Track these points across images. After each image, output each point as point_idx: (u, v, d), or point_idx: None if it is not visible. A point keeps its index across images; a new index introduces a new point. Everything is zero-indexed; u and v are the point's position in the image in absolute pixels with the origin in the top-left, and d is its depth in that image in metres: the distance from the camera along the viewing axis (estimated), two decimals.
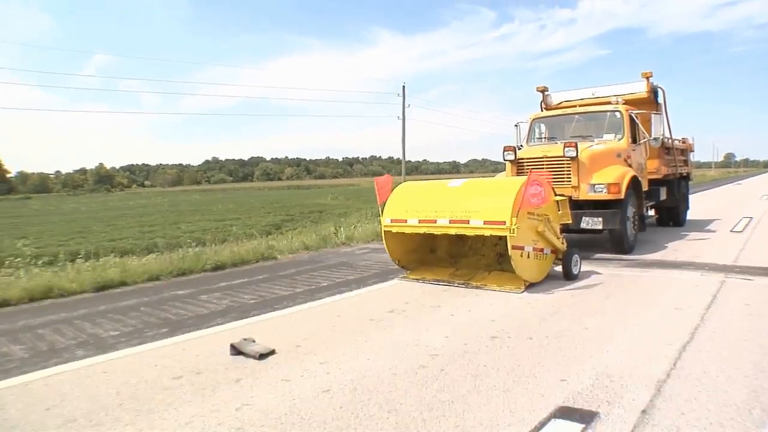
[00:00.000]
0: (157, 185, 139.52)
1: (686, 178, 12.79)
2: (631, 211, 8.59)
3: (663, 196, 10.55)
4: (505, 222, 6.04)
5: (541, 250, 6.62)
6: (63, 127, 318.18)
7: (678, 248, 9.04)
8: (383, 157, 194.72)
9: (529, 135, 10.09)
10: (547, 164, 8.50)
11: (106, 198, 70.96)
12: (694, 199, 14.66)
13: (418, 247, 7.59)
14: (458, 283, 6.74)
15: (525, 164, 8.69)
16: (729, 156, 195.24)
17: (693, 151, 13.41)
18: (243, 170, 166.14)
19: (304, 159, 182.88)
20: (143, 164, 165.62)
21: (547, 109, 10.90)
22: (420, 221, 6.88)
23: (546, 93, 11.03)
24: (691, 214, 13.00)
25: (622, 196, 8.16)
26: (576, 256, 6.96)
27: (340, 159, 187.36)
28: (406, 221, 7.02)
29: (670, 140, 10.84)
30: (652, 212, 11.60)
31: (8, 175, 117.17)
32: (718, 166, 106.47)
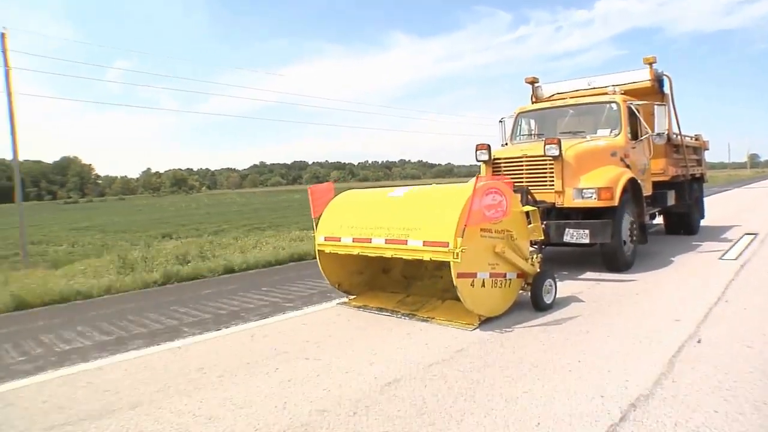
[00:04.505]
0: (223, 188, 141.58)
1: (699, 180, 10.21)
2: (627, 220, 6.45)
3: (671, 200, 8.20)
4: (447, 243, 4.15)
5: (503, 275, 4.66)
6: (101, 133, 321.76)
7: (678, 267, 6.84)
8: (413, 161, 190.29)
9: (513, 131, 7.99)
10: (526, 165, 6.49)
11: (207, 197, 77.25)
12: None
13: (365, 267, 5.72)
14: (402, 314, 4.91)
15: (502, 165, 6.70)
16: (753, 156, 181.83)
17: (707, 149, 10.87)
18: (291, 173, 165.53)
19: (344, 163, 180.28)
20: (187, 169, 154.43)
21: (537, 102, 8.74)
22: (354, 240, 5.04)
23: (536, 85, 8.81)
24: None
25: (615, 203, 6.07)
26: (550, 280, 4.97)
27: (372, 162, 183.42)
28: (339, 239, 5.20)
29: (678, 136, 8.52)
30: (660, 219, 9.24)
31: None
32: (743, 166, 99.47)
